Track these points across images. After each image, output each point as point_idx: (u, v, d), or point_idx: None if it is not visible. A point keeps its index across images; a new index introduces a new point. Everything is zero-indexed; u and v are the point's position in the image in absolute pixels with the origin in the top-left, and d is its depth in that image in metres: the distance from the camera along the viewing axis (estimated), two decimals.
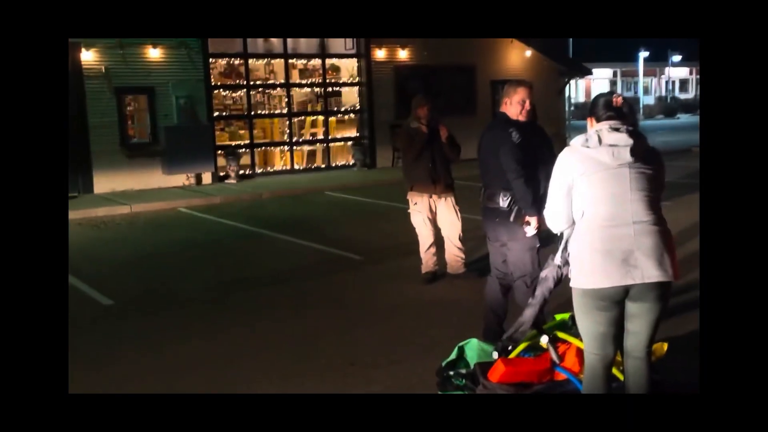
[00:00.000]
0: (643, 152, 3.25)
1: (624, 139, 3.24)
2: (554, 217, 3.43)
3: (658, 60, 42.90)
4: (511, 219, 4.72)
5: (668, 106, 39.87)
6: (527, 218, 4.62)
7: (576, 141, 3.36)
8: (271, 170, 15.94)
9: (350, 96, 17.03)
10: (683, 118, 36.86)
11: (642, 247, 3.17)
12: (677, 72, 48.68)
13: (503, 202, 4.72)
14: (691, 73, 50.11)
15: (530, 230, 4.61)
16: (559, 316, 4.11)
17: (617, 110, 3.37)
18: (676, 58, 44.37)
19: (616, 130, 3.27)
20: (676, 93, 48.07)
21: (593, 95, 37.26)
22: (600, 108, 3.41)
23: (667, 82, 47.88)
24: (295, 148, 16.26)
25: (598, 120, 3.38)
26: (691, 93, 48.39)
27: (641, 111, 38.25)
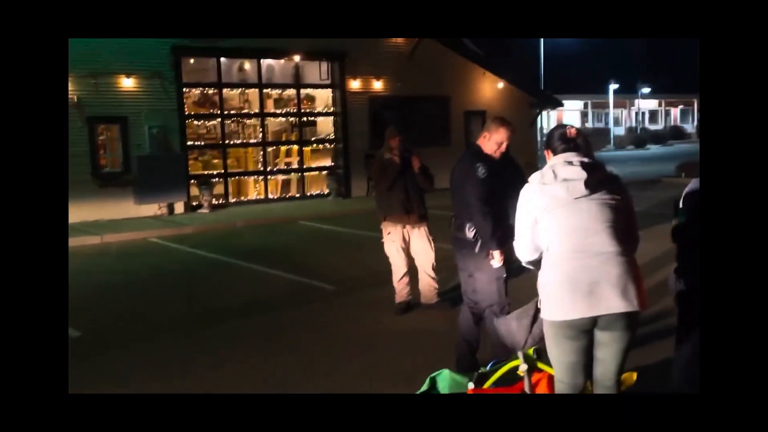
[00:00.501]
0: (599, 183, 3.28)
1: (577, 173, 3.27)
2: (522, 250, 3.50)
3: (628, 92, 43.78)
4: (476, 250, 4.74)
5: (638, 137, 40.60)
6: (491, 251, 4.68)
7: (534, 178, 3.43)
8: (245, 200, 15.88)
9: (325, 125, 17.10)
10: (653, 149, 37.51)
11: (607, 278, 3.20)
12: (647, 104, 49.68)
13: (469, 233, 4.75)
14: (660, 105, 51.15)
15: (495, 263, 4.69)
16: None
17: (572, 142, 3.43)
18: (646, 90, 45.33)
19: (570, 163, 3.32)
20: (646, 124, 49.00)
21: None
22: (555, 141, 3.48)
23: (637, 114, 48.81)
24: (269, 177, 16.24)
25: (555, 153, 3.46)
26: (661, 124, 49.35)
27: (612, 142, 38.89)
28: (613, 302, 3.18)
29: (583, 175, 3.26)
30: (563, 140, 3.45)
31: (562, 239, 3.29)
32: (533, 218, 3.37)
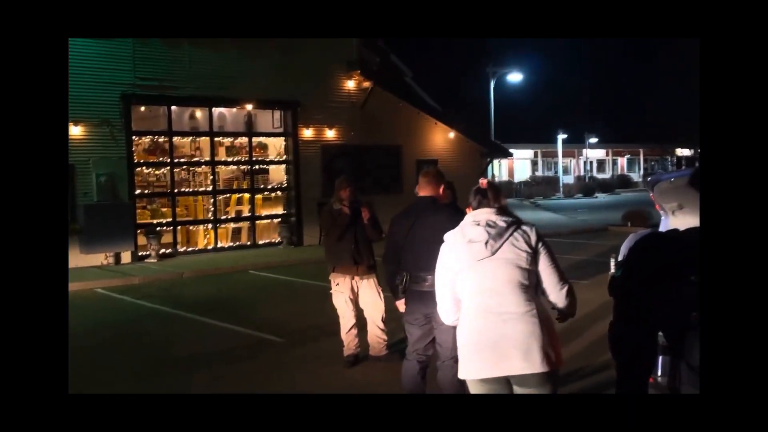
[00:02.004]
0: (503, 243, 3.32)
1: (480, 234, 3.34)
2: (441, 310, 3.57)
3: (576, 141, 44.99)
4: None
5: (587, 186, 41.56)
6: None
7: (448, 237, 3.50)
8: (194, 249, 15.63)
9: (277, 173, 17.05)
10: (601, 197, 38.36)
11: (508, 339, 3.24)
12: (595, 153, 51.07)
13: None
14: (607, 154, 52.62)
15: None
16: None
17: (483, 193, 3.52)
18: (593, 140, 46.65)
19: (477, 224, 3.39)
20: (594, 173, 50.26)
21: (516, 174, 38.47)
22: (472, 195, 3.58)
23: (585, 163, 50.08)
24: (219, 225, 16.04)
25: (471, 208, 3.55)
26: (608, 173, 50.67)
27: (561, 190, 39.70)
28: (515, 363, 3.22)
29: (485, 236, 3.32)
30: (475, 192, 3.56)
31: (471, 299, 3.37)
32: (451, 278, 3.45)
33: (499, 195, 3.57)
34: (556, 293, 3.40)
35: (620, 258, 4.33)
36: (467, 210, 3.61)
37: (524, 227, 3.41)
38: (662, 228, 5.26)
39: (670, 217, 5.32)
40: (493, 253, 3.30)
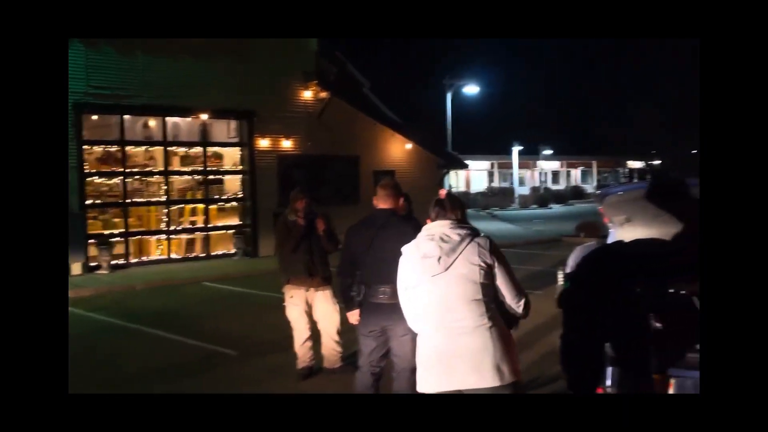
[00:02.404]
0: (455, 259, 3.31)
1: (433, 249, 3.33)
2: (408, 319, 3.58)
3: (532, 153, 45.65)
4: None
5: (542, 197, 42.15)
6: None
7: (405, 251, 3.49)
8: (147, 260, 15.35)
9: (232, 184, 16.89)
10: (555, 208, 38.95)
11: (460, 353, 3.25)
12: (549, 165, 51.84)
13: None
14: (562, 166, 53.48)
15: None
16: None
17: (441, 204, 3.51)
18: (548, 152, 47.42)
19: (431, 238, 3.38)
20: (549, 184, 51.03)
21: (472, 185, 38.79)
22: (431, 206, 3.57)
23: (540, 174, 50.83)
24: (172, 236, 15.79)
25: (430, 220, 3.54)
26: (563, 184, 51.48)
27: (517, 201, 40.18)
28: (466, 378, 3.24)
29: (438, 252, 3.31)
30: (434, 203, 3.56)
31: (425, 315, 3.39)
32: (406, 293, 3.48)
33: (456, 206, 3.54)
34: (513, 307, 3.42)
35: (568, 270, 4.40)
36: (427, 221, 3.59)
37: (479, 240, 3.39)
38: (610, 240, 5.36)
39: (618, 229, 5.43)
40: (447, 269, 3.29)
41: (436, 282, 3.32)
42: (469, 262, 3.31)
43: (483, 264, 3.32)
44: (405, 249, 3.51)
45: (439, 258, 3.30)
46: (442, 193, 3.59)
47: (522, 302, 3.44)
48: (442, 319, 3.30)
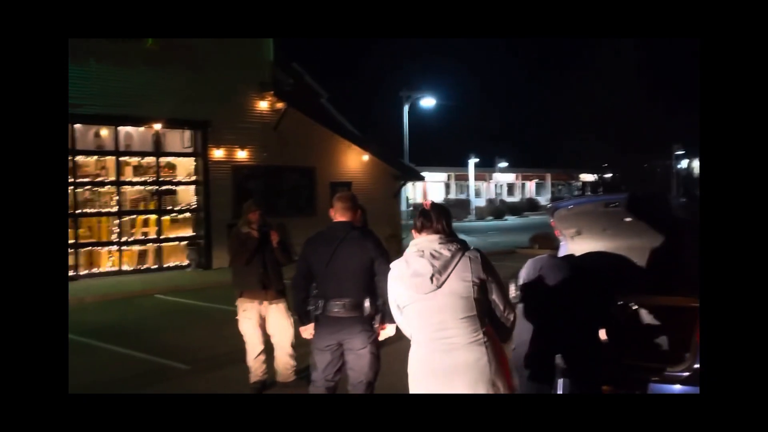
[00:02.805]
0: (448, 276, 3.23)
1: (424, 267, 3.22)
2: (402, 328, 3.57)
3: (487, 166, 46.19)
4: (376, 324, 4.72)
5: (497, 209, 42.64)
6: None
7: (394, 267, 3.41)
8: (97, 272, 15.01)
9: (186, 194, 16.65)
10: (511, 220, 39.44)
11: (455, 369, 3.21)
12: (505, 177, 52.52)
13: (369, 308, 4.69)
14: (517, 178, 54.21)
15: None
16: None
17: (426, 215, 3.40)
18: (503, 164, 48.03)
19: (421, 254, 3.27)
20: (504, 196, 51.68)
21: (429, 196, 39.00)
22: (416, 217, 3.46)
23: (495, 186, 51.44)
24: (124, 248, 15.49)
25: (416, 230, 3.44)
26: (518, 196, 52.20)
27: (473, 212, 40.56)
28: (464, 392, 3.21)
29: (430, 270, 3.21)
30: (419, 214, 3.44)
31: (417, 332, 3.34)
32: (398, 310, 3.43)
33: (442, 217, 3.40)
34: (503, 320, 3.38)
35: (520, 282, 4.44)
36: (412, 232, 3.47)
37: (470, 254, 3.29)
38: (561, 252, 5.45)
39: (569, 242, 5.52)
40: (439, 287, 3.20)
41: (428, 299, 3.24)
42: (462, 279, 3.22)
43: (476, 279, 3.24)
44: (394, 266, 3.40)
45: (432, 276, 3.20)
46: (427, 204, 3.44)
47: (512, 315, 3.40)
48: (436, 335, 3.24)
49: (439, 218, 3.39)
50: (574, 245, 5.45)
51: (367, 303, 4.66)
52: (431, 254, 3.26)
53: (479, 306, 3.26)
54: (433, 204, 3.47)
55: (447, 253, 3.26)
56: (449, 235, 3.37)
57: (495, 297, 3.32)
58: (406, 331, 3.50)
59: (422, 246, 3.32)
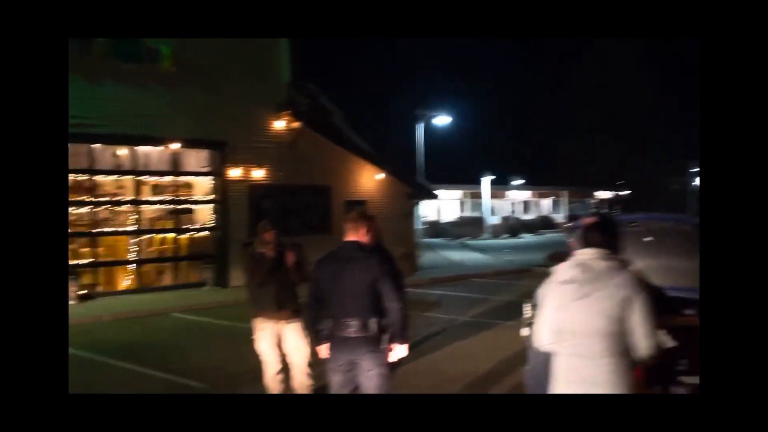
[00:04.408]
0: (596, 289, 3.26)
1: (575, 276, 3.29)
2: (538, 339, 3.60)
3: (502, 183, 46.09)
4: (383, 345, 4.71)
5: (512, 226, 42.45)
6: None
7: (555, 271, 3.46)
8: (116, 290, 15.14)
9: (203, 213, 16.79)
10: (526, 238, 39.26)
11: (590, 383, 3.25)
12: (520, 195, 52.33)
13: (374, 327, 4.69)
14: (532, 196, 54.01)
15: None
16: None
17: (591, 232, 3.42)
18: (518, 182, 47.92)
19: (575, 265, 3.36)
20: (520, 214, 51.45)
21: (443, 214, 38.70)
22: (575, 232, 3.57)
23: (511, 204, 51.26)
24: (142, 266, 15.61)
25: (574, 245, 3.53)
26: (533, 214, 51.97)
27: (488, 230, 40.42)
28: None
29: (578, 279, 3.29)
30: (585, 230, 3.46)
31: (559, 339, 3.39)
32: (544, 316, 3.49)
33: (606, 233, 3.40)
34: (637, 345, 3.29)
35: (537, 302, 4.43)
36: (569, 245, 3.57)
37: (624, 274, 3.29)
38: None
39: None
40: (585, 297, 3.24)
41: (574, 308, 3.27)
42: (610, 295, 3.23)
43: (623, 299, 3.23)
44: (555, 269, 3.48)
45: (580, 285, 3.25)
46: (590, 220, 3.46)
47: (649, 345, 3.27)
48: (575, 345, 3.27)
49: (602, 234, 3.42)
50: None
51: (373, 323, 4.68)
52: (585, 265, 3.32)
53: (620, 325, 3.24)
54: (599, 220, 3.51)
55: (600, 267, 3.29)
56: (611, 252, 3.37)
57: (638, 321, 3.25)
58: (541, 337, 3.50)
59: (580, 258, 3.38)
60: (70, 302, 13.57)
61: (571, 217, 41.56)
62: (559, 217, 51.50)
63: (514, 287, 15.77)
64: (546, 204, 55.36)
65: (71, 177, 14.77)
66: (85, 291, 14.30)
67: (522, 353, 7.49)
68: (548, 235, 40.27)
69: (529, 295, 4.77)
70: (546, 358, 4.21)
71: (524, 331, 4.50)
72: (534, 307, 4.49)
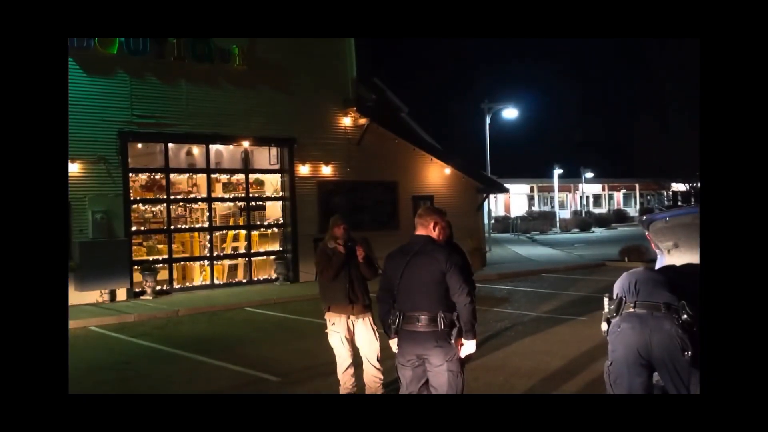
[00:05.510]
0: None
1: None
2: None
3: (572, 176, 45.17)
4: (452, 340, 4.64)
5: (583, 221, 41.58)
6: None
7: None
8: (190, 285, 15.56)
9: (273, 210, 17.06)
10: (598, 232, 38.37)
11: None
12: (591, 188, 51.21)
13: (445, 323, 4.62)
14: (603, 189, 52.76)
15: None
16: None
17: None
18: (589, 174, 46.85)
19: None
20: (591, 207, 50.35)
21: (512, 208, 38.29)
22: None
23: (581, 197, 50.21)
24: (215, 262, 15.99)
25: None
26: (605, 208, 50.79)
27: (558, 225, 39.72)
28: None
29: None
30: None
31: None
32: None
33: None
34: None
35: (614, 296, 4.31)
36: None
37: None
38: (658, 265, 5.25)
39: (666, 255, 5.32)
40: None
41: None
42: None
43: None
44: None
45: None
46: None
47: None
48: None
49: None
50: (672, 259, 5.25)
51: (442, 317, 4.61)
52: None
53: None
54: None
55: None
56: None
57: None
58: None
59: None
60: (147, 297, 14.04)
61: (645, 210, 40.40)
62: (632, 210, 50.18)
63: (586, 282, 15.45)
64: (618, 197, 53.99)
65: (148, 175, 15.27)
66: (162, 287, 14.75)
67: (594, 349, 7.32)
68: (621, 229, 39.27)
69: (607, 290, 4.65)
70: (625, 353, 4.08)
71: (604, 326, 4.37)
72: (611, 300, 4.36)
